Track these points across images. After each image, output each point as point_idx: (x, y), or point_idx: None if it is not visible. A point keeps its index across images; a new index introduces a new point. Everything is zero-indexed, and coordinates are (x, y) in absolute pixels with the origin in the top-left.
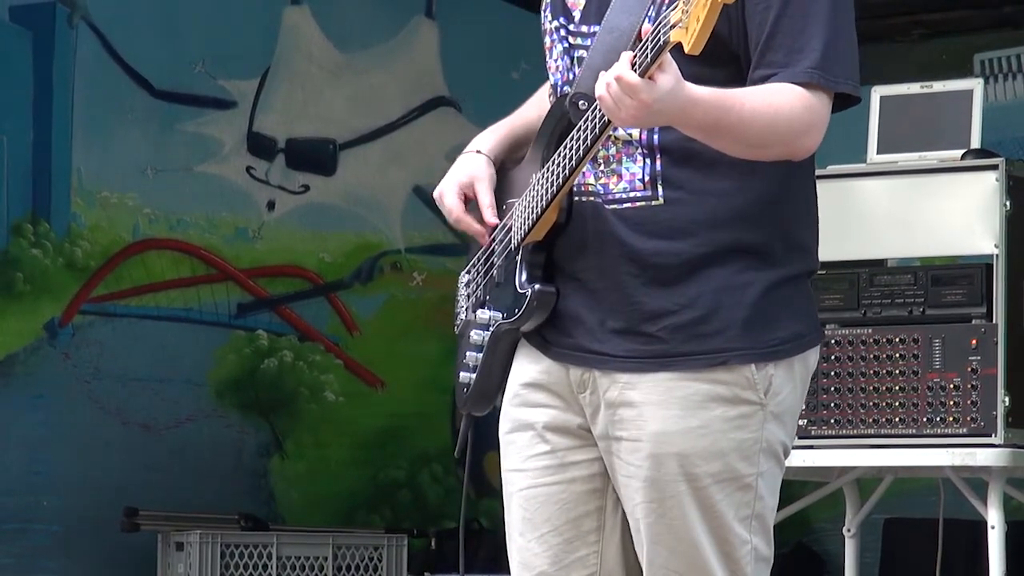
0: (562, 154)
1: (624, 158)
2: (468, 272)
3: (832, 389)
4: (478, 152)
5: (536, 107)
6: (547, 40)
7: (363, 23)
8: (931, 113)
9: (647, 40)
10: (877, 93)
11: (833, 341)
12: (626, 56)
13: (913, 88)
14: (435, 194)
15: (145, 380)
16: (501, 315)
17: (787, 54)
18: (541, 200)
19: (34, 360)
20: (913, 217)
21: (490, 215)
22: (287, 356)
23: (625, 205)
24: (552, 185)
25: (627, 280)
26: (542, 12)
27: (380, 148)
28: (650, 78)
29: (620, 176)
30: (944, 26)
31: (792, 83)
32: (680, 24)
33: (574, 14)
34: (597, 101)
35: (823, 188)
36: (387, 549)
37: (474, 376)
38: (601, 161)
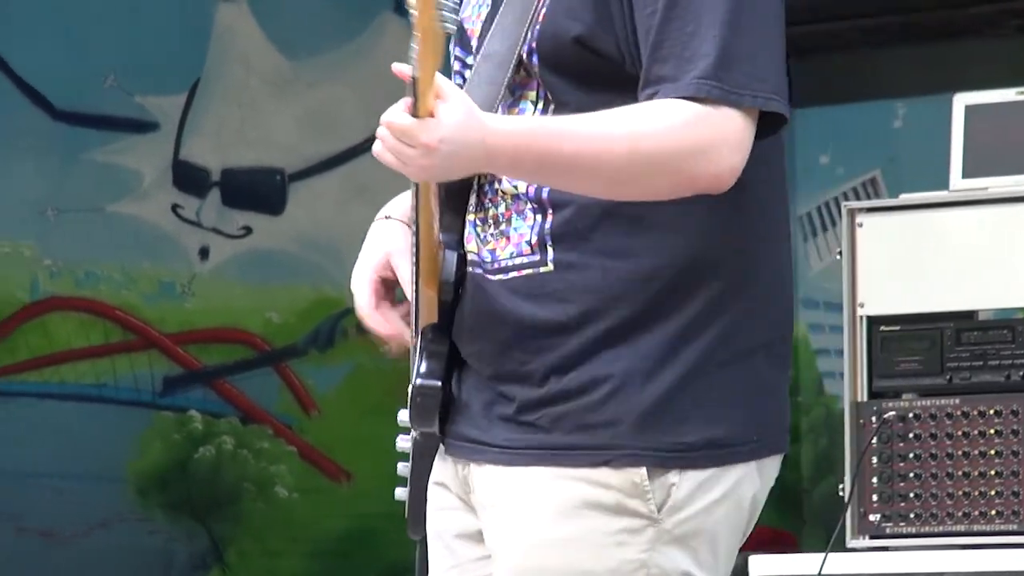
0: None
1: (514, 216)
2: None
3: (911, 475)
4: (388, 218)
5: None
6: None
7: (316, 23)
8: None
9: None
10: (961, 102)
11: (911, 415)
12: (405, 100)
13: (1007, 95)
14: (352, 286)
15: (46, 476)
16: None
17: (676, 65)
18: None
19: None
20: (1009, 257)
21: (411, 292)
22: (227, 443)
23: (511, 274)
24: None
25: (514, 361)
26: None
27: (339, 179)
28: (430, 114)
29: (508, 238)
30: None
31: (677, 98)
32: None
33: (472, 43)
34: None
35: (896, 221)
36: None
37: (407, 492)
38: (491, 222)
